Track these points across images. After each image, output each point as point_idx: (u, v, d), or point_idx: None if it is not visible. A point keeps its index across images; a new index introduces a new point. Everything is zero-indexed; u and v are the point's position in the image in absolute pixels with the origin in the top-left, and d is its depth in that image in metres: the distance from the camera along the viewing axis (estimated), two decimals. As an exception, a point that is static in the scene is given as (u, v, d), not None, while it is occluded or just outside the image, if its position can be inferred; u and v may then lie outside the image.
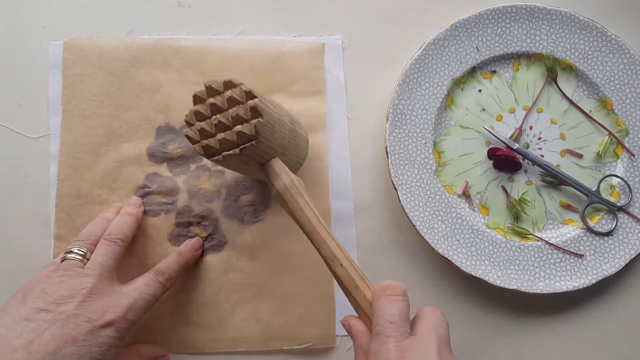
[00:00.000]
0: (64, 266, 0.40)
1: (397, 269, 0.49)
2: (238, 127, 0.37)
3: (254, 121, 0.37)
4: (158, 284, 0.42)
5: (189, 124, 0.39)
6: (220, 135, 0.38)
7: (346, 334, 0.47)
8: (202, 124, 0.38)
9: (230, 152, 0.37)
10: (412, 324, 0.35)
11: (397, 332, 0.33)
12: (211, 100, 0.38)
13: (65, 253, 0.41)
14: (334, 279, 0.38)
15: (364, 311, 0.36)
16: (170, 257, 0.45)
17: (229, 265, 0.48)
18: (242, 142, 0.37)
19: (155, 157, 0.49)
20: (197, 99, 0.39)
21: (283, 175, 0.39)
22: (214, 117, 0.38)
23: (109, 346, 0.37)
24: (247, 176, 0.49)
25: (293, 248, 0.48)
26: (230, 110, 0.38)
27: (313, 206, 0.38)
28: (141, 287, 0.41)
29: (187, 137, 0.39)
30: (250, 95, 0.38)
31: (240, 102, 0.38)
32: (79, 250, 0.41)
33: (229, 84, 0.38)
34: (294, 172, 0.41)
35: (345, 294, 0.37)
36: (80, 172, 0.49)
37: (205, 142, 0.38)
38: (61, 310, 0.37)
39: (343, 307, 0.48)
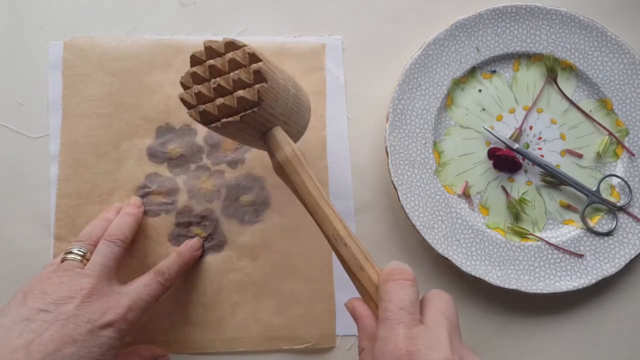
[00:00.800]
0: (63, 267, 0.40)
1: (397, 269, 0.49)
2: (240, 92, 0.34)
3: (257, 86, 0.34)
4: (158, 284, 0.42)
5: (185, 86, 0.36)
6: (220, 100, 0.34)
7: (346, 334, 0.47)
8: (199, 87, 0.35)
9: (230, 119, 0.34)
10: (420, 309, 0.33)
11: (407, 319, 0.31)
12: (211, 62, 0.35)
13: (65, 253, 0.41)
14: (337, 259, 0.36)
15: (369, 294, 0.34)
16: (170, 257, 0.45)
17: (229, 265, 0.48)
18: (243, 109, 0.34)
19: (155, 157, 0.49)
20: (195, 60, 0.36)
21: (285, 145, 0.36)
22: (213, 80, 0.35)
23: (109, 346, 0.37)
24: (247, 175, 0.49)
25: (293, 248, 0.48)
26: (231, 74, 0.35)
27: (317, 180, 0.36)
28: (141, 287, 0.41)
29: (183, 100, 0.36)
30: (254, 57, 0.34)
31: (242, 65, 0.35)
32: (78, 250, 0.41)
33: (231, 45, 0.35)
34: (295, 142, 0.38)
35: (349, 275, 0.35)
36: (80, 172, 0.49)
37: (202, 107, 0.35)
38: (61, 310, 0.36)
39: (343, 307, 0.47)
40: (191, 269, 0.48)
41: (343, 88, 0.51)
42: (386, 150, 0.47)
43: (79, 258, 0.41)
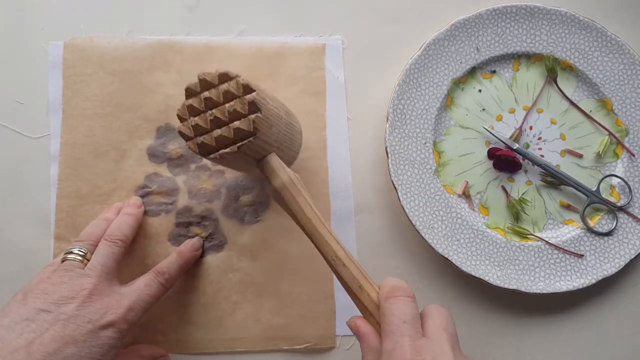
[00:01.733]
0: (64, 267, 0.40)
1: (397, 269, 0.49)
2: (236, 123, 0.35)
3: (252, 116, 0.35)
4: (158, 285, 0.42)
5: (181, 119, 0.37)
6: (217, 132, 0.36)
7: (346, 334, 0.47)
8: (196, 120, 0.36)
9: (228, 150, 0.36)
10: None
11: (411, 332, 0.32)
12: (206, 94, 0.36)
13: (66, 254, 0.41)
14: (336, 279, 0.38)
15: (369, 310, 0.36)
16: (170, 257, 0.45)
17: (229, 265, 0.48)
18: (239, 139, 0.35)
19: (156, 157, 0.49)
20: (190, 92, 0.37)
21: (280, 171, 0.37)
22: (209, 112, 0.36)
23: (110, 347, 0.37)
24: (247, 175, 0.49)
25: (293, 248, 0.48)
26: (227, 105, 0.36)
27: (313, 204, 0.37)
28: (141, 287, 0.41)
29: (180, 133, 0.37)
30: (247, 88, 0.36)
31: (237, 96, 0.36)
32: (79, 250, 0.41)
33: (224, 77, 0.36)
34: (289, 166, 0.39)
35: (349, 294, 0.37)
36: (80, 172, 0.49)
37: (200, 139, 0.36)
38: (62, 310, 0.37)
39: (343, 307, 0.48)
40: (191, 269, 0.48)
41: (343, 88, 0.51)
42: (386, 150, 0.47)
43: (80, 258, 0.41)
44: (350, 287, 0.36)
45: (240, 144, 0.35)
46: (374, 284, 0.37)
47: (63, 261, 0.40)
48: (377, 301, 0.36)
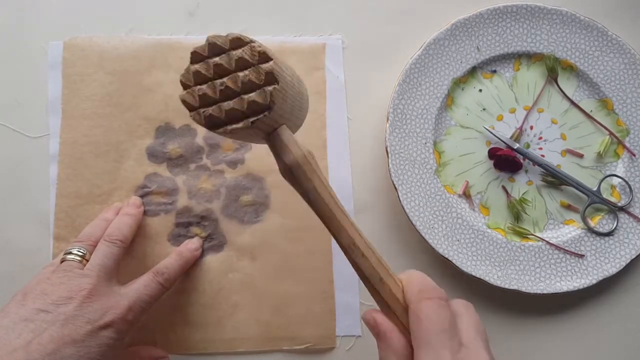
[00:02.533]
0: (63, 267, 0.40)
1: (397, 269, 0.48)
2: (251, 96, 0.31)
3: (269, 88, 0.31)
4: (157, 285, 0.42)
5: (185, 85, 0.33)
6: (228, 104, 0.31)
7: (346, 334, 0.47)
8: (204, 88, 0.32)
9: (240, 124, 0.31)
10: None
11: (451, 343, 0.30)
12: (216, 59, 0.32)
13: (65, 254, 0.41)
14: (354, 270, 0.34)
15: (392, 309, 0.32)
16: (169, 257, 0.45)
17: (229, 265, 0.48)
18: (252, 112, 0.31)
19: (155, 157, 0.49)
20: (197, 57, 0.33)
21: (294, 147, 0.32)
22: (219, 80, 0.32)
23: (108, 347, 0.37)
24: (247, 175, 0.49)
25: (293, 248, 0.48)
26: (240, 74, 0.32)
27: (328, 185, 0.33)
28: (140, 288, 0.41)
29: (184, 102, 0.33)
30: (263, 56, 0.31)
31: (251, 64, 0.32)
32: (78, 251, 0.41)
33: (237, 41, 0.32)
34: (294, 133, 0.35)
35: (367, 287, 0.33)
36: (80, 172, 0.48)
37: (209, 110, 0.32)
38: (60, 311, 0.36)
39: (343, 307, 0.48)
40: (191, 269, 0.47)
41: (343, 88, 0.51)
42: (386, 150, 0.47)
43: (79, 259, 0.40)
44: (369, 280, 0.32)
45: (254, 119, 0.31)
46: (397, 278, 0.33)
47: (62, 262, 0.40)
48: (402, 298, 0.32)
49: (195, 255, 0.47)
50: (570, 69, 0.50)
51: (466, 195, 0.49)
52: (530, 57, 0.50)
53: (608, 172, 0.49)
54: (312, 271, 0.48)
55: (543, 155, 0.49)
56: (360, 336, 0.48)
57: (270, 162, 0.49)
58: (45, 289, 0.38)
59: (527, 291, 0.46)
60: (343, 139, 0.50)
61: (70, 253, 0.41)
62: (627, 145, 0.49)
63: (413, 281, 0.33)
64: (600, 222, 0.48)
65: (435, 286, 0.33)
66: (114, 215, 0.46)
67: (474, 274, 0.46)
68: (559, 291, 0.46)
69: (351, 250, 0.33)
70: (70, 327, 0.36)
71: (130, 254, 0.47)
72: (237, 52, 0.32)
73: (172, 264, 0.44)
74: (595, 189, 0.48)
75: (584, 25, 0.49)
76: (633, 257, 0.47)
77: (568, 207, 0.49)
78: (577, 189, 0.48)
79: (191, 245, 0.47)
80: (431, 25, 0.51)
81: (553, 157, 0.49)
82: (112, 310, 0.38)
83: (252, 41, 0.32)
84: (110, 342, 0.37)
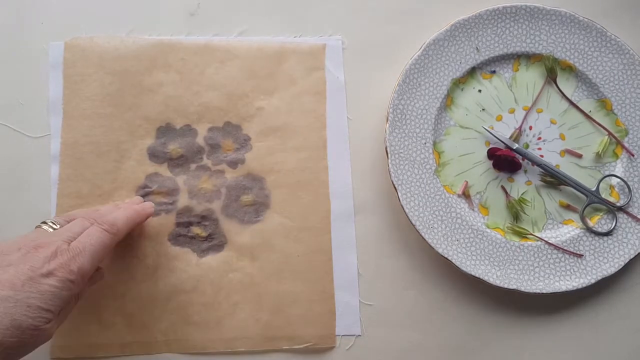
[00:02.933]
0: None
1: (397, 269, 0.49)
2: None
3: None
4: (100, 231, 0.41)
5: None
6: None
7: (346, 333, 0.47)
8: None
9: None
10: None
11: None
12: None
13: (41, 223, 0.41)
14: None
15: None
16: (119, 210, 0.44)
17: (229, 265, 0.48)
18: None
19: (156, 157, 0.49)
20: None
21: None
22: None
23: (52, 295, 0.36)
24: (246, 175, 0.49)
25: (293, 248, 0.48)
26: None
27: None
28: (83, 237, 0.40)
29: None
30: None
31: None
32: (52, 223, 0.41)
33: None
34: None
35: None
36: (81, 172, 0.49)
37: None
38: (5, 259, 0.37)
39: (343, 307, 0.48)
40: (191, 269, 0.48)
41: (343, 88, 0.51)
42: (386, 150, 0.47)
43: (51, 230, 0.41)
44: None
45: None
46: None
47: (36, 228, 0.41)
48: None
49: (146, 209, 0.46)
50: (569, 69, 0.50)
51: (465, 195, 0.49)
52: (529, 58, 0.50)
53: (607, 172, 0.49)
54: (312, 271, 0.48)
55: (542, 156, 0.49)
56: (360, 336, 0.48)
57: (270, 162, 0.49)
58: (1, 244, 0.38)
59: (526, 291, 0.46)
60: (343, 139, 0.50)
61: (45, 223, 0.41)
62: (626, 145, 0.49)
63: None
64: (599, 222, 0.49)
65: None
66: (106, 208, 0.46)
67: (473, 273, 0.46)
68: (558, 291, 0.47)
69: None
70: (10, 273, 0.36)
71: (131, 253, 0.47)
72: None
73: (117, 212, 0.43)
74: (594, 189, 0.48)
75: (583, 26, 0.49)
76: (632, 256, 0.47)
77: (567, 207, 0.49)
78: (576, 189, 0.48)
79: (145, 203, 0.47)
80: (431, 25, 0.51)
81: (552, 157, 0.49)
82: (54, 260, 0.37)
83: None
84: (53, 290, 0.36)
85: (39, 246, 0.38)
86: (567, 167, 0.49)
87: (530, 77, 0.50)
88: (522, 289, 0.46)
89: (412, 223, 0.47)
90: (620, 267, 0.47)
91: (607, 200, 0.48)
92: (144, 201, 0.48)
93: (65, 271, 0.37)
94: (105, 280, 0.45)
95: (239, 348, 0.47)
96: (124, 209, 0.44)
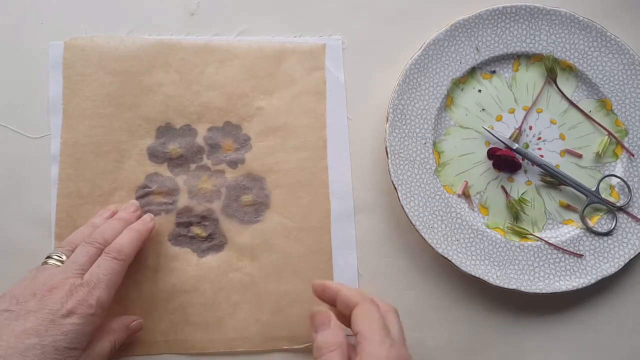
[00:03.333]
0: (40, 269, 0.40)
1: (397, 269, 0.49)
2: None
3: None
4: (110, 261, 0.41)
5: None
6: None
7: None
8: None
9: None
10: None
11: (388, 338, 0.36)
12: None
13: (46, 258, 0.42)
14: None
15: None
16: (122, 234, 0.44)
17: (229, 265, 0.48)
18: None
19: (156, 157, 0.49)
20: None
21: None
22: None
23: (76, 333, 0.37)
24: (246, 175, 0.49)
25: (293, 248, 0.48)
26: None
27: None
28: (94, 269, 0.40)
29: None
30: None
31: None
32: (58, 256, 0.42)
33: None
34: None
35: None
36: (80, 172, 0.49)
37: None
38: (23, 307, 0.37)
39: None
40: (191, 269, 0.48)
41: (343, 88, 0.51)
42: (386, 150, 0.47)
43: (58, 264, 0.41)
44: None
45: None
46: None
47: (42, 264, 0.41)
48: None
49: (147, 225, 0.46)
50: (569, 69, 0.50)
51: (465, 195, 0.49)
52: (529, 58, 0.50)
53: (607, 172, 0.49)
54: (312, 271, 0.48)
55: (542, 156, 0.49)
56: (360, 336, 0.48)
57: (270, 162, 0.49)
58: (13, 290, 0.39)
59: (526, 291, 0.46)
60: (343, 139, 0.50)
61: (51, 258, 0.41)
62: (626, 145, 0.49)
63: (345, 288, 0.40)
64: (599, 222, 0.49)
65: (364, 292, 0.40)
66: (103, 221, 0.45)
67: (473, 273, 0.46)
68: (558, 291, 0.47)
69: None
70: (32, 321, 0.36)
71: (140, 266, 0.47)
72: None
73: (122, 237, 0.43)
74: (594, 189, 0.48)
75: (582, 26, 0.49)
76: (632, 256, 0.47)
77: (567, 207, 0.49)
78: (576, 189, 0.48)
79: (143, 218, 0.46)
80: (431, 25, 0.51)
81: (552, 157, 0.49)
82: (72, 298, 0.38)
83: None
84: (76, 328, 0.37)
85: (53, 287, 0.38)
86: (567, 167, 0.49)
87: (530, 77, 0.50)
88: (522, 289, 0.46)
89: (412, 223, 0.47)
90: (620, 267, 0.47)
91: (607, 200, 0.48)
92: (143, 202, 0.48)
93: (84, 307, 0.38)
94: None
95: (239, 348, 0.47)
96: (127, 231, 0.44)
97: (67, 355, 0.36)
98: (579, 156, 0.50)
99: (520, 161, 0.49)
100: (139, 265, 0.47)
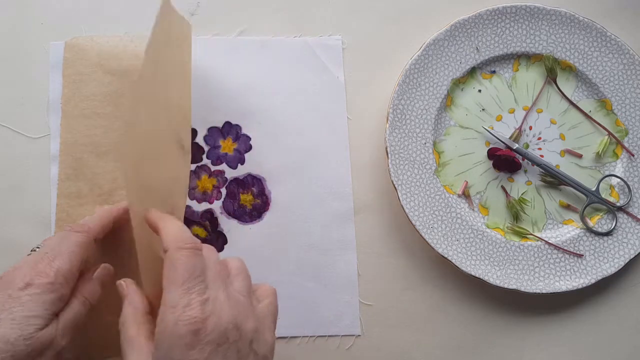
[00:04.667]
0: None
1: (397, 269, 0.49)
2: None
3: None
4: (73, 234, 0.40)
5: None
6: None
7: (346, 333, 0.47)
8: None
9: None
10: None
11: (199, 287, 0.33)
12: None
13: (32, 250, 0.41)
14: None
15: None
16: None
17: (229, 265, 0.48)
18: None
19: (156, 157, 0.49)
20: None
21: None
22: None
23: (35, 302, 0.36)
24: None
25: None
26: None
27: None
28: (54, 243, 0.39)
29: None
30: None
31: None
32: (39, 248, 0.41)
33: None
34: None
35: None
36: (80, 172, 0.48)
37: None
38: None
39: (343, 306, 0.48)
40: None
41: (343, 88, 0.51)
42: (386, 150, 0.47)
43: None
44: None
45: None
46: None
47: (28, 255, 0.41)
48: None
49: (119, 205, 0.45)
50: (569, 69, 0.50)
51: (465, 195, 0.49)
52: (529, 58, 0.50)
53: (607, 172, 0.49)
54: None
55: (542, 156, 0.49)
56: (360, 336, 0.48)
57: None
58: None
59: (526, 291, 0.46)
60: (343, 139, 0.50)
61: (34, 250, 0.41)
62: (626, 145, 0.49)
63: (169, 232, 0.35)
64: (599, 222, 0.49)
65: (191, 236, 0.35)
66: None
67: (473, 273, 0.46)
68: (558, 291, 0.47)
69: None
70: None
71: (129, 252, 0.47)
72: None
73: (93, 215, 0.43)
74: (594, 189, 0.48)
75: (583, 26, 0.49)
76: (632, 256, 0.47)
77: (567, 207, 0.49)
78: (576, 189, 0.48)
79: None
80: (431, 25, 0.51)
81: (552, 157, 0.49)
82: (31, 272, 0.37)
83: None
84: (34, 298, 0.36)
85: (17, 268, 0.38)
86: (567, 167, 0.49)
87: (530, 77, 0.50)
88: (522, 289, 0.46)
89: (412, 223, 0.47)
90: (620, 267, 0.47)
91: (607, 200, 0.48)
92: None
93: (42, 277, 0.37)
94: (105, 281, 0.45)
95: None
96: (97, 210, 0.44)
97: (27, 323, 0.35)
98: (579, 156, 0.50)
99: (520, 161, 0.49)
100: (138, 266, 0.47)
